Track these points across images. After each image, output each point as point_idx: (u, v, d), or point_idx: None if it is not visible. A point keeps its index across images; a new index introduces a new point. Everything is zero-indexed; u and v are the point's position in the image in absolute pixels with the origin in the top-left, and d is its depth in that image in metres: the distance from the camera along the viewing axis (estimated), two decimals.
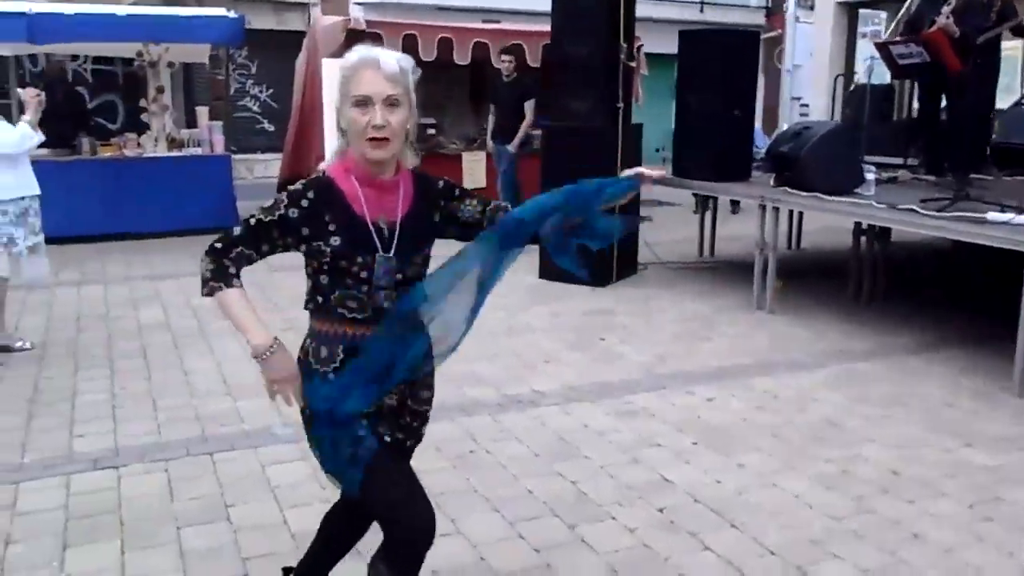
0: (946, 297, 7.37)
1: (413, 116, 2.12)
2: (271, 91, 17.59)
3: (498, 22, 12.77)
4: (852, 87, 8.93)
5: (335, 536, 2.61)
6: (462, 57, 10.76)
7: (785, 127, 8.55)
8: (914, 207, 5.61)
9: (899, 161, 8.03)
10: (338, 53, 10.33)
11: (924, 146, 7.93)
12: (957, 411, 4.72)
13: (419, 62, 8.16)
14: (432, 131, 11.69)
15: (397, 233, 2.14)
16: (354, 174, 2.13)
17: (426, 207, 2.22)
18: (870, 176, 6.46)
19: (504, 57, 9.72)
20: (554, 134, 7.64)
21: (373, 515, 2.32)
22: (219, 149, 10.00)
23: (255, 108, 17.70)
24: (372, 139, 2.05)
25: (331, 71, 10.20)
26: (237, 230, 2.11)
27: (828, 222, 8.67)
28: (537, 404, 4.74)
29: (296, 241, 2.10)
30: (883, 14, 14.37)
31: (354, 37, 10.29)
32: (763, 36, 12.26)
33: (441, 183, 2.28)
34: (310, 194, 2.10)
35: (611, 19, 7.20)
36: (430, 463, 3.95)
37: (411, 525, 2.22)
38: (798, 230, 9.18)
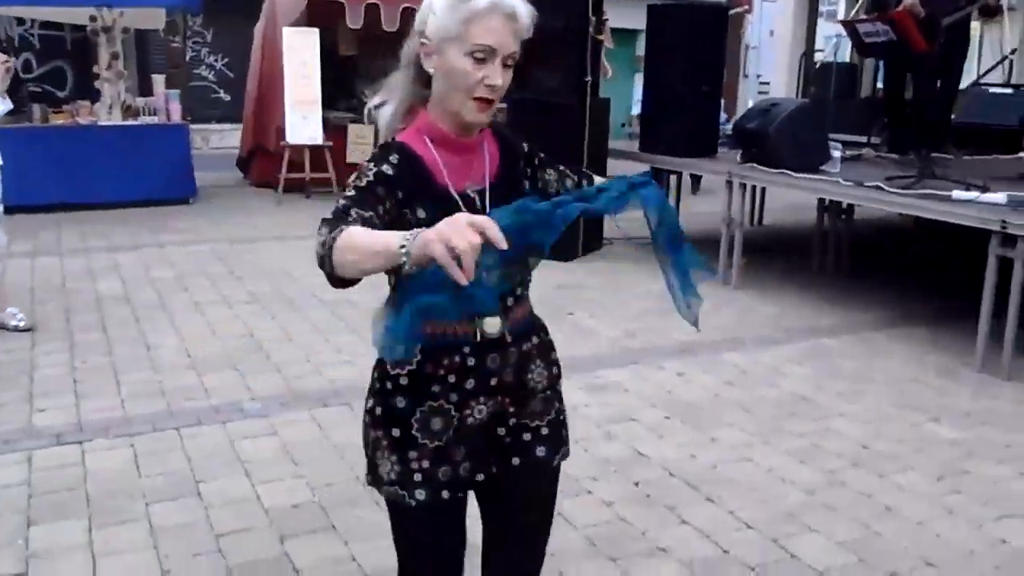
0: (909, 274, 7.47)
1: None
2: (227, 60, 17.24)
3: None
4: (817, 65, 8.98)
5: None
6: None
7: (750, 103, 8.58)
8: (880, 184, 5.66)
9: (863, 139, 8.10)
10: (299, 21, 10.14)
11: (888, 125, 8.00)
12: (923, 386, 4.80)
13: (382, 33, 8.02)
14: None
15: (488, 202, 1.71)
16: (428, 135, 1.70)
17: (513, 170, 1.81)
18: (836, 153, 6.50)
19: None
20: (520, 106, 7.56)
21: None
22: (176, 118, 9.76)
23: (211, 77, 17.34)
24: (480, 99, 1.63)
25: (291, 40, 10.02)
26: (340, 203, 1.58)
27: (791, 199, 8.73)
28: None
29: (394, 203, 1.62)
30: None
31: (315, 6, 10.11)
32: (731, 12, 12.29)
33: (525, 145, 1.86)
34: (393, 157, 1.66)
35: None
36: None
37: None
38: (761, 207, 9.24)
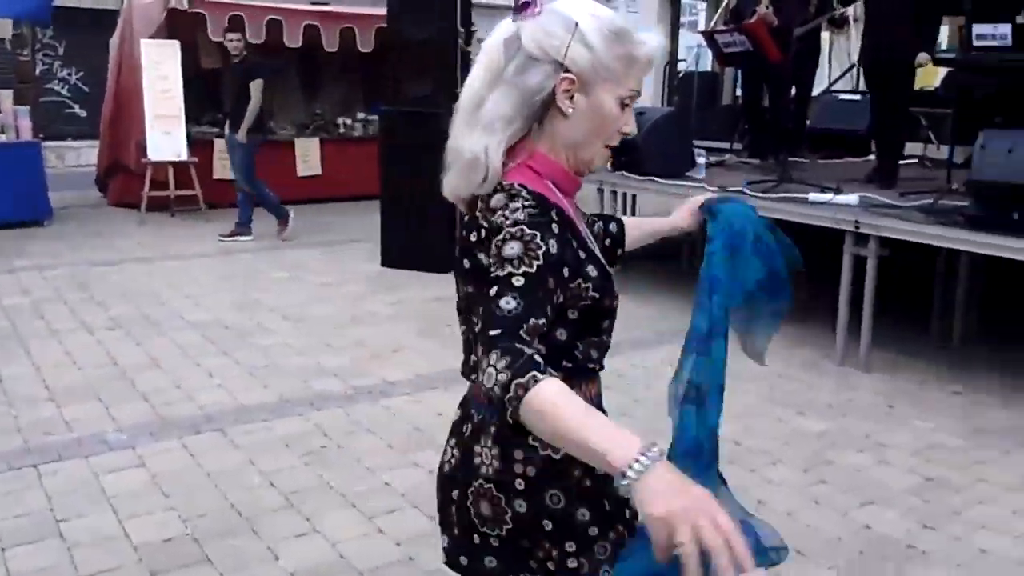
0: None
1: None
2: (81, 74, 16.47)
3: (327, 3, 12.43)
4: (681, 74, 9.28)
5: None
6: (292, 40, 10.44)
7: None
8: (742, 189, 5.88)
9: (725, 145, 8.41)
10: (159, 34, 9.77)
11: (748, 131, 8.34)
12: (790, 382, 5.00)
13: (247, 45, 7.82)
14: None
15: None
16: (550, 179, 1.42)
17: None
18: (701, 160, 6.73)
19: (230, 35, 8.49)
20: (391, 119, 7.51)
21: None
22: (26, 135, 9.22)
23: (64, 92, 16.52)
24: (613, 148, 1.46)
25: (150, 53, 9.64)
26: (507, 304, 1.22)
27: (661, 205, 8.96)
28: (388, 394, 4.65)
29: (562, 282, 1.33)
30: (702, 4, 15.00)
31: (175, 18, 9.77)
32: None
33: None
34: (553, 212, 1.35)
35: (449, 2, 7.14)
36: (281, 461, 3.81)
37: None
38: (632, 212, 9.45)
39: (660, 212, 7.79)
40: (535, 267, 1.26)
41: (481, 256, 1.34)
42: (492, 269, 1.27)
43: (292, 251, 8.26)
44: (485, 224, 1.35)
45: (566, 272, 1.33)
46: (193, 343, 5.41)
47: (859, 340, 5.16)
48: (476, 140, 1.39)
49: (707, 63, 12.44)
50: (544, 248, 1.28)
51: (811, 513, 3.47)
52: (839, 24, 7.98)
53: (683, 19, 15.52)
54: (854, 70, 11.33)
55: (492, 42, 1.40)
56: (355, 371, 5.00)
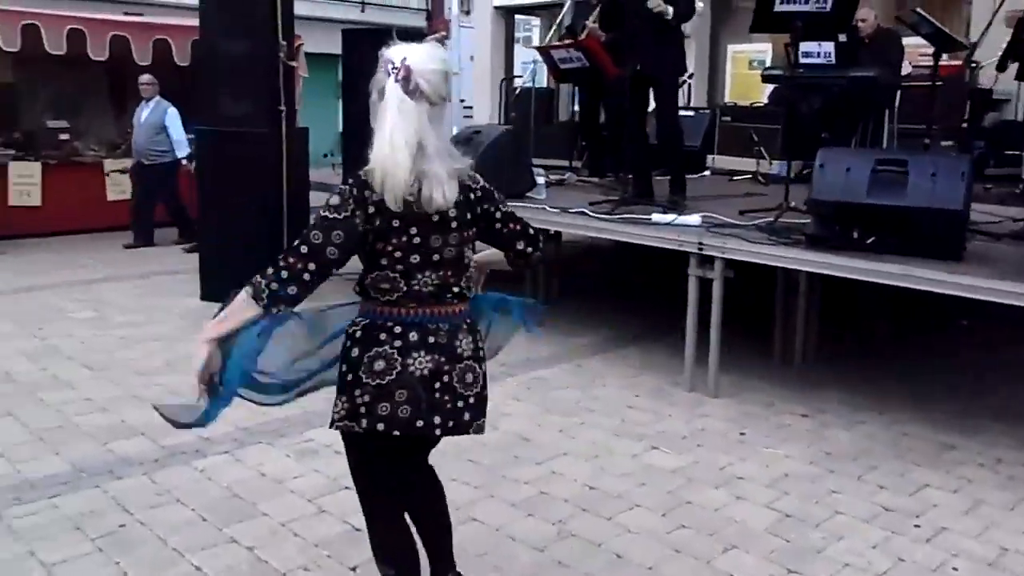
0: (616, 295, 7.64)
1: None
2: None
3: (141, 14, 11.52)
4: (517, 91, 9.09)
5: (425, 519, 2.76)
6: (98, 52, 9.55)
7: (455, 130, 8.44)
8: (584, 210, 5.67)
9: (564, 163, 8.25)
10: None
11: (587, 149, 8.21)
12: (639, 411, 4.79)
13: (45, 56, 6.98)
14: (65, 136, 10.28)
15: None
16: None
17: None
18: (540, 180, 6.50)
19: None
20: (209, 139, 6.89)
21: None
22: None
23: None
24: None
25: None
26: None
27: None
28: (204, 453, 4.10)
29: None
30: (536, 20, 15.00)
31: None
32: (428, 37, 12.22)
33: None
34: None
35: (268, 15, 6.61)
36: (68, 548, 3.23)
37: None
38: None
39: None
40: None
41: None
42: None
43: (99, 286, 7.46)
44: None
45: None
46: None
47: (707, 364, 5.02)
48: None
49: (543, 79, 12.40)
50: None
51: (673, 566, 3.21)
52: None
53: (517, 34, 15.48)
54: (685, 85, 11.55)
55: None
56: (166, 428, 4.25)
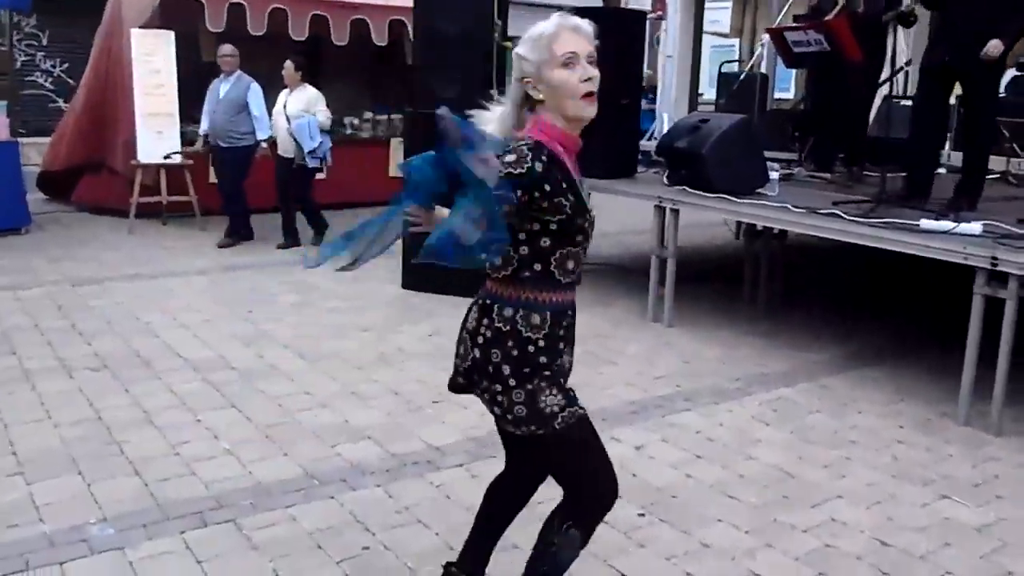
0: (848, 303, 6.94)
1: None
2: (66, 65, 15.45)
3: None
4: (742, 76, 8.45)
5: (499, 509, 2.62)
6: (298, 32, 9.55)
7: (665, 117, 7.96)
8: (837, 212, 5.05)
9: (780, 155, 7.58)
10: (151, 23, 8.86)
11: (808, 139, 7.52)
12: (911, 448, 4.16)
13: (248, 36, 6.95)
14: None
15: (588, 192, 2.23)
16: (551, 136, 2.12)
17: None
18: (774, 175, 5.90)
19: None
20: (418, 121, 6.63)
21: (561, 475, 2.30)
22: (3, 134, 8.29)
23: (48, 84, 15.51)
24: (587, 94, 2.10)
25: (141, 44, 8.73)
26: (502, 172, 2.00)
27: (696, 217, 8.14)
28: (436, 465, 3.79)
29: (541, 196, 2.07)
30: (729, 3, 14.20)
31: (170, 5, 8.88)
32: (649, 17, 11.70)
33: None
34: (544, 153, 2.07)
35: None
36: (313, 571, 2.95)
37: (612, 486, 2.29)
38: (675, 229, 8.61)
39: (694, 225, 6.75)
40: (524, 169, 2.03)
41: None
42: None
43: (299, 268, 7.37)
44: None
45: (547, 188, 2.05)
46: (193, 390, 4.53)
47: (984, 395, 4.33)
48: (488, 130, 2.09)
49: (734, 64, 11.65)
50: (530, 165, 2.03)
51: None
52: (908, 23, 7.16)
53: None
54: (902, 73, 10.57)
55: None
56: (392, 431, 4.13)
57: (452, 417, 4.30)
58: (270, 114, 8.05)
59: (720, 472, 3.82)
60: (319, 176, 8.36)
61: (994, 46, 5.07)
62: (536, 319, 2.14)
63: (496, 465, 3.76)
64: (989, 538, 3.34)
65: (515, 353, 2.13)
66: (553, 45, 2.08)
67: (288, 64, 7.95)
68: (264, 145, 8.13)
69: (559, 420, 2.14)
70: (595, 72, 2.09)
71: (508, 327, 2.14)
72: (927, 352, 5.50)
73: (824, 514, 3.48)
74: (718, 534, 3.30)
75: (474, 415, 4.33)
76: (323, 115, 7.90)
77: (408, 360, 5.14)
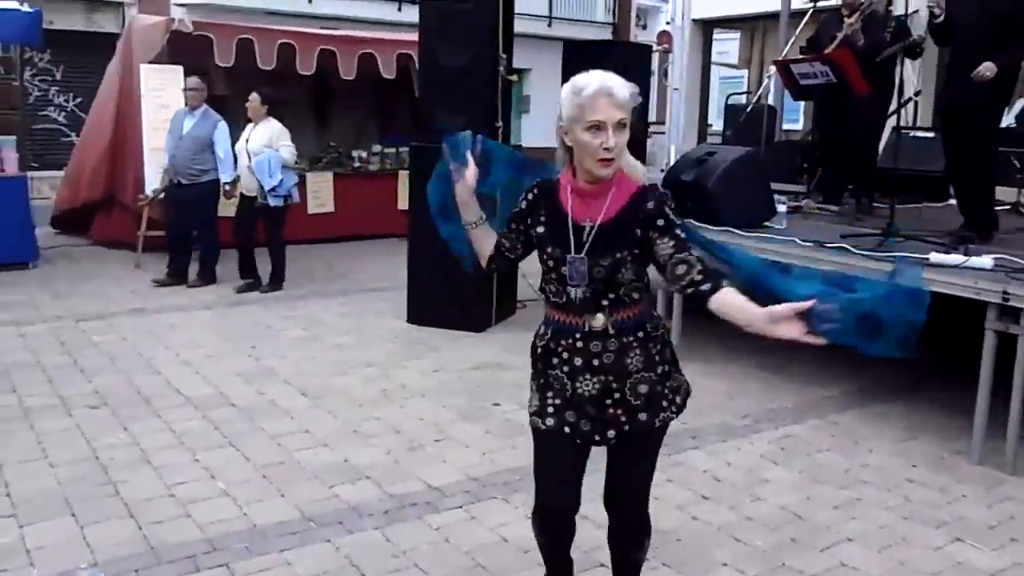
0: None
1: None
2: (79, 100, 15.55)
3: (336, 28, 11.60)
4: (749, 108, 8.42)
5: (550, 546, 2.67)
6: (306, 66, 9.58)
7: (672, 149, 7.92)
8: (845, 245, 4.99)
9: (788, 187, 7.52)
10: (159, 58, 8.92)
11: (816, 171, 7.47)
12: (923, 488, 4.06)
13: (256, 71, 7.03)
14: None
15: (594, 234, 2.33)
16: (568, 183, 2.39)
17: (631, 217, 2.31)
18: (781, 208, 5.84)
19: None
20: (423, 155, 6.61)
21: None
22: (12, 169, 8.32)
23: (60, 118, 15.63)
24: (602, 160, 2.25)
25: (151, 79, 8.78)
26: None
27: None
28: (436, 507, 3.71)
29: (525, 224, 2.46)
30: (737, 35, 14.24)
31: (179, 40, 8.94)
32: (654, 51, 11.73)
33: (651, 204, 2.30)
34: (530, 194, 2.46)
35: (491, 27, 6.29)
36: None
37: (541, 501, 2.55)
38: None
39: None
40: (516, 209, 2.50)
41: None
42: None
43: (305, 303, 7.34)
44: None
45: (529, 221, 2.46)
46: (192, 428, 4.48)
47: (998, 434, 4.24)
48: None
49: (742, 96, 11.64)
50: (517, 207, 2.49)
51: None
52: (916, 54, 7.13)
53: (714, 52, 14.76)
54: (910, 104, 10.53)
55: None
56: (392, 471, 4.06)
57: (453, 456, 4.24)
58: (234, 152, 7.64)
59: (727, 514, 3.73)
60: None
61: (986, 67, 5.06)
62: (541, 329, 2.49)
63: (496, 506, 3.71)
64: None
65: (531, 350, 2.53)
66: (585, 108, 2.22)
67: (254, 97, 7.51)
68: (227, 187, 7.70)
69: (530, 420, 2.50)
70: (616, 141, 2.22)
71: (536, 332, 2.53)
72: (938, 388, 5.39)
73: (834, 558, 3.38)
74: None
75: (475, 454, 4.28)
76: (287, 151, 7.38)
77: (411, 397, 5.07)
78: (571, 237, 2.33)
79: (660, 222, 2.27)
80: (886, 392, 5.38)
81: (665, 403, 2.43)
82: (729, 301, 2.21)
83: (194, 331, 6.36)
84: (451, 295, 6.42)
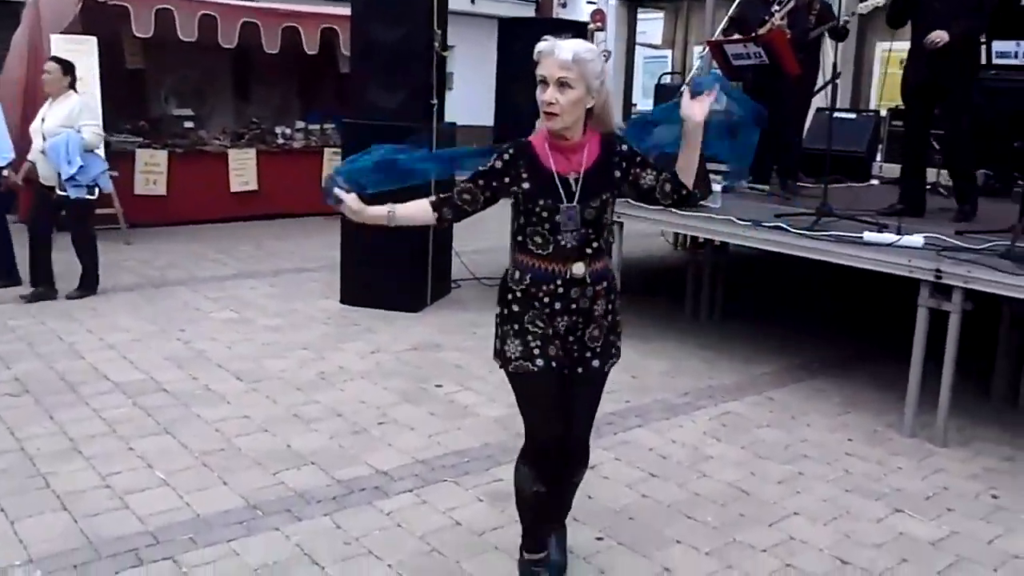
0: (789, 315, 6.96)
1: (601, 96, 2.55)
2: None
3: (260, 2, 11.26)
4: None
5: (545, 484, 2.82)
6: (227, 39, 9.27)
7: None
8: (782, 225, 5.06)
9: (720, 167, 7.59)
10: (72, 28, 8.50)
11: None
12: (861, 461, 4.17)
13: (177, 42, 6.86)
14: (190, 124, 10.06)
15: (581, 183, 2.58)
16: (546, 139, 2.60)
17: (608, 163, 2.61)
18: (716, 187, 5.89)
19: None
20: (356, 131, 6.47)
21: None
22: None
23: None
24: (547, 113, 2.51)
25: (61, 50, 8.33)
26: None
27: (633, 228, 8.10)
28: (385, 492, 3.64)
29: (498, 184, 2.63)
30: (661, 15, 14.31)
31: (93, 9, 8.53)
32: (588, 27, 11.77)
33: (624, 146, 2.65)
34: (511, 150, 2.63)
35: (425, 1, 6.16)
36: None
37: (541, 438, 2.72)
38: (619, 240, 8.57)
39: (631, 235, 6.59)
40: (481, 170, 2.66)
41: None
42: None
43: (234, 283, 7.13)
44: None
45: (506, 180, 2.62)
46: (123, 416, 4.30)
47: (929, 407, 4.38)
48: None
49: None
50: (491, 163, 2.65)
51: None
52: (841, 36, 7.27)
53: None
54: (829, 86, 10.76)
55: None
56: (337, 455, 3.97)
57: (398, 439, 4.17)
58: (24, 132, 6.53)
59: (676, 491, 3.76)
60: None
61: (937, 34, 5.24)
62: (516, 275, 2.66)
63: (447, 489, 3.66)
64: (944, 553, 3.34)
65: (501, 298, 2.71)
66: (538, 66, 2.51)
67: (51, 66, 6.27)
68: (5, 173, 6.50)
69: (512, 366, 2.66)
70: (557, 97, 2.47)
71: (503, 280, 2.72)
72: (873, 363, 5.55)
73: (783, 532, 3.44)
74: (679, 557, 3.23)
75: (421, 437, 4.22)
76: (89, 131, 6.20)
77: (350, 380, 4.97)
78: (559, 188, 2.57)
79: (638, 159, 2.64)
80: (821, 368, 5.51)
81: (614, 350, 2.79)
82: (683, 167, 2.63)
83: (118, 314, 6.10)
84: (385, 275, 6.32)
